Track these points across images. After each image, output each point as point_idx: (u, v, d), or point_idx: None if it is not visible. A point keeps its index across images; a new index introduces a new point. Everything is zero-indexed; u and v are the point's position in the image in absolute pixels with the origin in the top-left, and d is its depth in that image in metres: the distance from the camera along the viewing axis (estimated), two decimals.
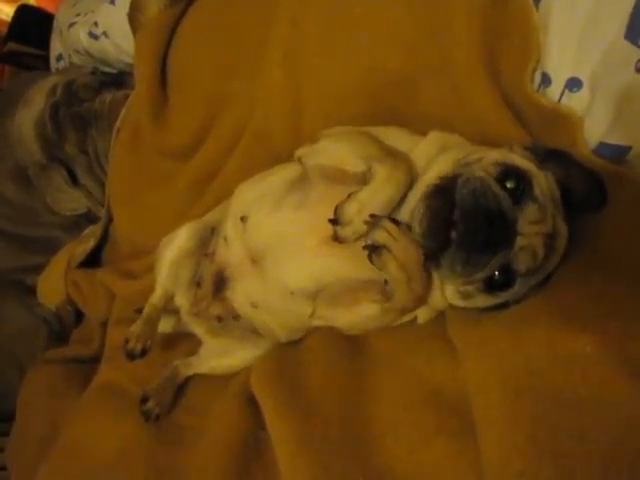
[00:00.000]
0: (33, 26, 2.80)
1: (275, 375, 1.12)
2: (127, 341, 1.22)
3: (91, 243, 1.96)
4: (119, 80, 2.13)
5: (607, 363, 0.76)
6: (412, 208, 0.95)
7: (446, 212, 0.88)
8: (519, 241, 0.87)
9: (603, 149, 1.05)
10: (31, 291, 2.04)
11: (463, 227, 0.85)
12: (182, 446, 1.22)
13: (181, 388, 1.34)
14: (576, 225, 0.95)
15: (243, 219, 1.17)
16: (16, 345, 1.97)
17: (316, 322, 1.15)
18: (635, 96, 0.99)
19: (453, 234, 0.87)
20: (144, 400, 1.28)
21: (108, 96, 1.97)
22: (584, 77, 1.04)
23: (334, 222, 0.97)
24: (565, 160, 0.97)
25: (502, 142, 1.02)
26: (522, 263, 0.88)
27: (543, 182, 0.92)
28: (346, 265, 1.02)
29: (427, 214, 0.90)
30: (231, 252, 1.21)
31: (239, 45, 1.44)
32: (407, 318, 1.07)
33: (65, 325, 2.00)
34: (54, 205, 2.01)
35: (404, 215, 0.96)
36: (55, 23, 2.43)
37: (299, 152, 1.14)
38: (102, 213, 1.95)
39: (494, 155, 0.94)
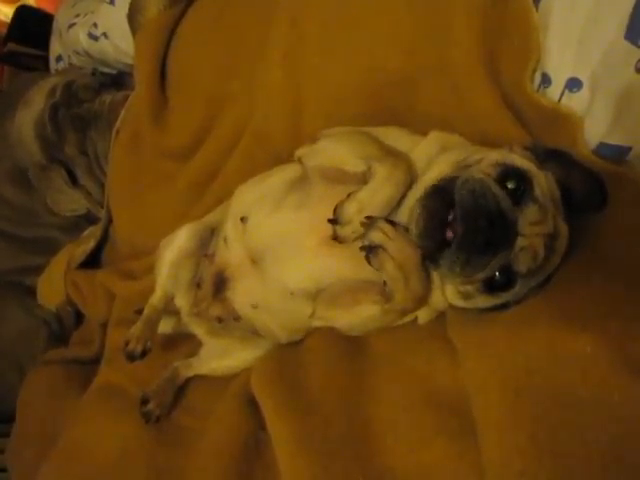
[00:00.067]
0: (33, 27, 2.80)
1: (275, 376, 1.12)
2: (127, 343, 1.22)
3: (91, 244, 1.95)
4: (119, 81, 2.13)
5: (607, 363, 0.76)
6: (411, 208, 0.95)
7: (442, 212, 0.88)
8: (519, 242, 0.87)
9: (603, 149, 1.05)
10: (31, 292, 2.03)
11: (463, 228, 0.85)
12: (182, 447, 1.22)
13: (181, 389, 1.34)
14: (576, 225, 0.95)
15: (243, 220, 1.17)
16: (16, 346, 1.97)
17: (316, 323, 1.15)
18: (635, 96, 0.99)
19: (449, 234, 0.87)
20: (144, 402, 1.27)
21: (108, 97, 1.97)
22: (584, 77, 1.04)
23: (334, 222, 0.98)
24: (565, 160, 0.97)
25: (502, 142, 1.02)
26: (522, 264, 0.88)
27: (543, 182, 0.92)
28: (346, 265, 1.03)
29: (423, 214, 0.91)
30: (231, 253, 1.20)
31: (239, 45, 1.44)
32: (407, 319, 1.07)
33: (65, 326, 1.99)
34: (54, 206, 2.01)
35: (404, 215, 0.96)
36: (55, 24, 2.43)
37: (299, 152, 1.14)
38: (102, 214, 1.95)
39: (494, 156, 0.94)
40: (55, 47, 2.43)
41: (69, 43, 2.22)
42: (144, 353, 1.22)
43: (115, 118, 1.85)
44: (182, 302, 1.33)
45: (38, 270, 2.04)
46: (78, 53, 2.19)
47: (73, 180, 1.97)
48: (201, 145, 1.55)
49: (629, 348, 0.77)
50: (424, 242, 0.92)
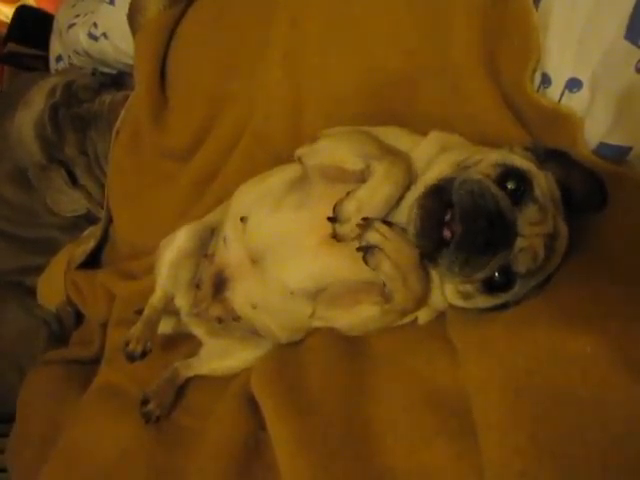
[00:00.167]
0: (33, 27, 2.80)
1: (275, 376, 1.12)
2: (127, 343, 1.22)
3: (91, 244, 1.95)
4: (119, 81, 2.13)
5: (607, 363, 0.76)
6: (410, 208, 0.95)
7: (440, 212, 0.88)
8: (519, 242, 0.87)
9: (603, 149, 1.05)
10: (31, 292, 2.03)
11: (462, 228, 0.85)
12: (182, 447, 1.22)
13: (181, 389, 1.34)
14: (576, 225, 0.95)
15: (243, 219, 1.17)
16: (16, 346, 1.97)
17: (316, 323, 1.15)
18: (635, 96, 0.99)
19: (447, 233, 0.87)
20: (144, 402, 1.27)
21: (108, 97, 1.97)
22: (584, 77, 1.04)
23: (333, 220, 0.98)
24: (565, 160, 0.97)
25: (502, 142, 1.02)
26: (522, 264, 0.88)
27: (543, 183, 0.92)
28: (346, 265, 1.02)
29: (421, 214, 0.91)
30: (230, 253, 1.21)
31: (239, 45, 1.44)
32: (408, 319, 1.07)
33: (65, 326, 1.99)
34: (54, 206, 2.01)
35: (404, 215, 0.96)
36: (55, 24, 2.43)
37: (299, 152, 1.14)
38: (102, 214, 1.95)
39: (494, 156, 0.94)
40: (55, 47, 2.43)
41: (69, 43, 2.22)
42: (144, 353, 1.22)
43: (115, 118, 1.86)
44: (182, 302, 1.34)
45: (38, 270, 2.04)
46: (78, 53, 2.19)
47: (73, 180, 1.97)
48: (201, 145, 1.55)
49: (629, 348, 0.77)
50: (422, 242, 0.92)
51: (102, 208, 1.95)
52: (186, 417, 1.30)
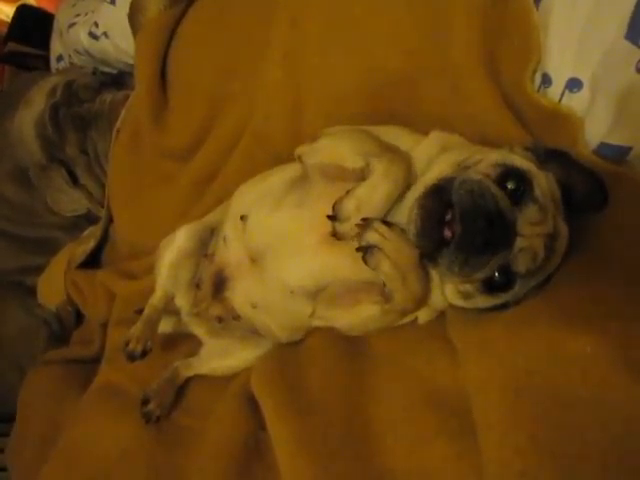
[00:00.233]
0: (33, 26, 2.80)
1: (275, 375, 1.12)
2: (127, 343, 1.22)
3: (91, 244, 1.96)
4: (119, 80, 2.13)
5: (607, 363, 0.76)
6: (411, 208, 0.95)
7: (440, 212, 0.88)
8: (519, 242, 0.87)
9: (604, 149, 1.05)
10: (31, 292, 2.03)
11: (461, 228, 0.85)
12: (182, 447, 1.22)
13: (181, 389, 1.34)
14: (576, 225, 0.95)
15: (243, 218, 1.17)
16: (16, 346, 1.97)
17: (316, 322, 1.15)
18: (636, 96, 0.99)
19: (447, 233, 0.87)
20: (145, 402, 1.27)
21: (108, 97, 1.97)
22: (584, 77, 1.04)
23: (333, 218, 0.98)
24: (566, 160, 0.97)
25: (502, 142, 1.02)
26: (522, 264, 0.88)
27: (544, 183, 0.92)
28: (346, 264, 1.02)
29: (421, 214, 0.91)
30: (230, 252, 1.21)
31: (239, 45, 1.44)
32: (408, 319, 1.07)
33: (65, 326, 1.99)
34: (54, 206, 2.01)
35: (404, 215, 0.96)
36: (55, 23, 2.43)
37: (299, 150, 1.14)
38: (102, 214, 1.95)
39: (494, 156, 0.94)
40: (56, 46, 2.43)
41: (70, 43, 2.22)
42: (144, 353, 1.22)
43: (115, 118, 1.86)
44: (182, 302, 1.34)
45: (38, 270, 2.04)
46: (79, 52, 2.20)
47: (73, 180, 1.97)
48: (201, 145, 1.55)
49: (629, 348, 0.77)
50: (421, 241, 0.92)
51: (102, 208, 1.95)
52: (186, 417, 1.30)
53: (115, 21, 1.92)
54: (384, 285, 0.99)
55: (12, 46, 2.79)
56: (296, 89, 1.28)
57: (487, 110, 1.09)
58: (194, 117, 1.56)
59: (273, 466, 0.99)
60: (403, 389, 0.99)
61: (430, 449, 0.88)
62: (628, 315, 0.83)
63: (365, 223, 0.96)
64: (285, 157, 1.24)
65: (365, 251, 0.96)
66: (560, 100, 1.07)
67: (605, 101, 1.02)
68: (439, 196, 0.90)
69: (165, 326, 1.39)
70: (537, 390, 0.79)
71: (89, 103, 1.97)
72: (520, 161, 0.93)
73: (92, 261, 1.98)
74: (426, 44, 1.12)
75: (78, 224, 2.08)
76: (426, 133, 1.06)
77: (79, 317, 1.99)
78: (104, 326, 1.78)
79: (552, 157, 0.96)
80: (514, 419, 0.78)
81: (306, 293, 1.09)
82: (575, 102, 1.06)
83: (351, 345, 1.12)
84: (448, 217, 0.87)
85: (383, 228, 0.95)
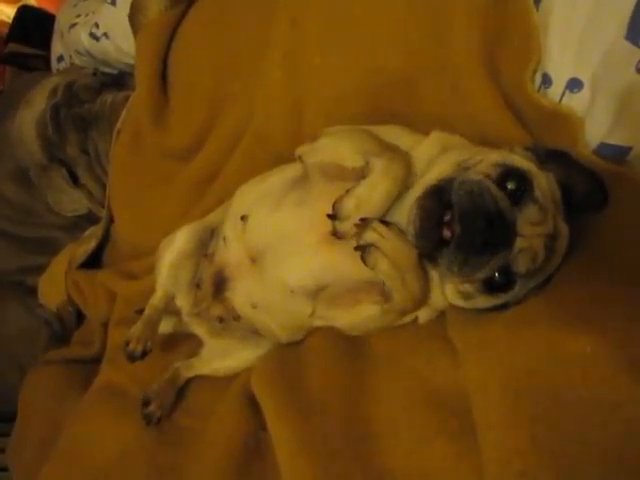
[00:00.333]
0: (34, 27, 2.80)
1: (276, 375, 1.12)
2: (127, 343, 1.22)
3: (92, 244, 1.96)
4: (120, 81, 2.13)
5: (607, 363, 0.76)
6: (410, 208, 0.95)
7: (439, 212, 0.88)
8: (519, 242, 0.87)
9: (604, 149, 1.05)
10: (32, 292, 2.03)
11: (461, 228, 0.85)
12: (183, 447, 1.22)
13: (182, 390, 1.34)
14: (577, 225, 0.95)
15: (243, 218, 1.17)
16: (17, 346, 1.97)
17: (316, 322, 1.15)
18: (636, 97, 0.99)
19: (446, 233, 0.87)
20: (145, 403, 1.27)
21: (109, 97, 1.97)
22: (585, 78, 1.04)
23: (333, 217, 0.98)
24: (566, 160, 0.97)
25: (502, 142, 1.02)
26: (522, 265, 0.88)
27: (544, 183, 0.92)
28: (346, 263, 1.02)
29: (420, 214, 0.91)
30: (230, 252, 1.21)
31: (239, 46, 1.44)
32: (408, 319, 1.07)
33: (66, 326, 1.99)
34: (55, 206, 2.01)
35: (403, 215, 0.96)
36: (56, 24, 2.43)
37: (299, 150, 1.14)
38: (103, 214, 1.95)
39: (494, 156, 0.94)
40: (56, 47, 2.43)
41: (70, 43, 2.22)
42: (144, 353, 1.22)
43: (116, 118, 1.86)
44: (183, 302, 1.34)
45: (39, 270, 2.04)
46: (79, 53, 2.20)
47: (74, 180, 1.97)
48: (202, 145, 1.55)
49: (629, 348, 0.77)
50: (420, 242, 0.92)
51: (103, 208, 1.95)
52: (187, 417, 1.30)
53: (116, 22, 1.92)
54: (384, 285, 0.99)
55: (13, 47, 2.80)
56: (296, 89, 1.28)
57: (487, 110, 1.09)
58: (194, 117, 1.56)
59: (273, 466, 0.99)
60: (403, 389, 0.99)
61: (430, 449, 0.88)
62: (628, 315, 0.82)
63: (364, 223, 0.96)
64: (286, 157, 1.24)
65: (363, 250, 0.97)
66: (560, 100, 1.07)
67: (605, 101, 1.02)
68: (438, 196, 0.90)
69: (165, 326, 1.39)
70: (537, 390, 0.79)
71: (90, 104, 1.97)
72: (520, 161, 0.93)
73: (93, 261, 1.98)
74: (426, 44, 1.12)
75: (79, 224, 2.08)
76: (426, 133, 1.06)
77: (80, 317, 1.99)
78: (105, 326, 1.78)
79: (552, 157, 0.96)
80: (514, 419, 0.78)
81: (306, 293, 1.09)
82: (575, 102, 1.06)
83: (351, 345, 1.12)
84: (447, 218, 0.87)
85: (381, 227, 0.96)
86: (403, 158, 1.00)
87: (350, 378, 1.05)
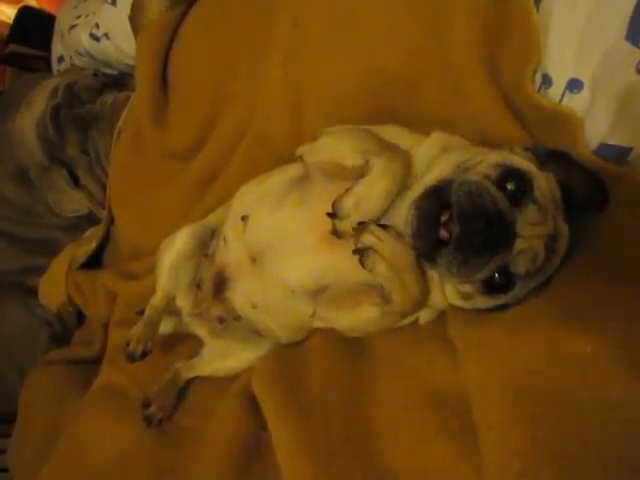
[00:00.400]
0: (34, 27, 2.81)
1: (276, 375, 1.12)
2: (128, 343, 1.22)
3: (92, 245, 1.96)
4: (120, 81, 2.14)
5: (607, 363, 0.76)
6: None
7: (436, 212, 0.88)
8: (519, 243, 0.87)
9: (604, 150, 1.05)
10: (32, 292, 2.04)
11: (460, 229, 0.85)
12: (184, 447, 1.22)
13: (182, 391, 1.34)
14: (577, 225, 0.95)
15: (244, 218, 1.17)
16: (17, 346, 1.97)
17: (317, 323, 1.15)
18: (636, 97, 0.99)
19: (443, 234, 0.87)
20: (146, 405, 1.27)
21: (109, 98, 1.97)
22: (585, 78, 1.04)
23: (332, 216, 0.98)
24: (566, 161, 0.97)
25: (502, 143, 1.02)
26: (521, 265, 0.88)
27: (544, 183, 0.92)
28: (346, 264, 1.02)
29: (417, 214, 0.91)
30: (231, 252, 1.21)
31: (240, 46, 1.45)
32: (408, 320, 1.07)
33: (66, 326, 2.00)
34: (56, 206, 2.01)
35: (403, 215, 0.96)
36: (56, 25, 2.44)
37: (300, 150, 1.14)
38: (103, 214, 1.95)
39: (494, 157, 0.94)
40: (57, 48, 2.44)
41: (71, 44, 2.23)
42: (144, 354, 1.22)
43: (117, 119, 1.86)
44: (183, 303, 1.34)
45: (39, 270, 2.04)
46: (80, 54, 2.20)
47: (75, 180, 1.98)
48: (202, 146, 1.55)
49: (629, 348, 0.77)
50: (417, 242, 0.92)
51: (103, 208, 1.95)
52: (187, 418, 1.30)
53: (116, 22, 1.93)
54: (383, 287, 1.00)
55: (13, 47, 2.80)
56: (297, 89, 1.28)
57: (487, 110, 1.09)
58: (195, 118, 1.56)
59: (274, 466, 0.99)
60: (403, 389, 0.99)
61: (430, 449, 0.88)
62: (628, 315, 0.82)
63: (361, 226, 0.96)
64: (286, 157, 1.24)
65: (361, 253, 0.97)
66: (560, 101, 1.07)
67: (605, 102, 1.02)
68: (436, 197, 0.90)
69: (166, 327, 1.40)
70: (537, 390, 0.79)
71: (90, 104, 1.97)
72: (520, 162, 0.93)
73: (93, 262, 1.98)
74: (426, 44, 1.12)
75: (79, 225, 2.09)
76: (426, 133, 1.06)
77: (80, 318, 1.99)
78: (105, 327, 1.78)
79: (552, 157, 0.96)
80: (514, 419, 0.78)
81: (306, 293, 1.09)
82: (575, 103, 1.06)
83: (351, 345, 1.12)
84: (444, 218, 0.88)
85: (379, 231, 0.96)
86: (403, 157, 1.00)
87: (350, 378, 1.06)
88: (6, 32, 2.90)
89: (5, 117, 2.03)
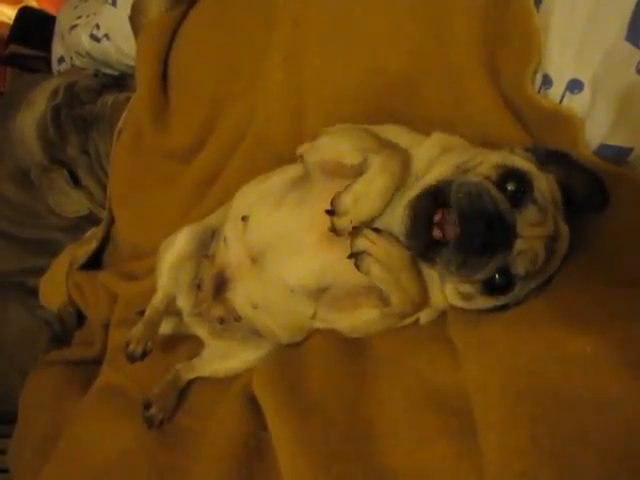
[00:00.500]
0: (35, 28, 2.81)
1: (276, 376, 1.12)
2: (128, 344, 1.22)
3: (93, 245, 1.96)
4: (121, 82, 2.14)
5: (607, 363, 0.76)
6: None
7: (429, 212, 0.89)
8: (519, 244, 0.87)
9: (604, 150, 1.05)
10: (33, 293, 2.04)
11: (461, 230, 0.85)
12: (184, 448, 1.22)
13: (183, 391, 1.34)
14: (577, 226, 0.95)
15: (244, 218, 1.17)
16: (18, 347, 1.98)
17: (317, 324, 1.16)
18: (636, 97, 0.99)
19: (436, 234, 0.87)
20: (147, 406, 1.27)
21: (109, 98, 1.98)
22: (585, 79, 1.04)
23: (331, 213, 0.98)
24: (566, 161, 0.97)
25: (503, 143, 1.02)
26: (521, 266, 0.88)
27: (544, 184, 0.92)
28: (345, 264, 1.02)
29: (410, 214, 0.91)
30: (231, 253, 1.21)
31: (240, 47, 1.45)
32: (409, 321, 1.07)
33: (67, 327, 2.00)
34: (56, 207, 2.01)
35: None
36: (57, 25, 2.44)
37: (300, 149, 1.15)
38: (104, 215, 1.96)
39: (494, 158, 0.94)
40: (57, 48, 2.44)
41: (71, 44, 2.23)
42: (144, 354, 1.22)
43: (117, 119, 1.86)
44: (183, 303, 1.34)
45: (40, 271, 2.04)
46: (80, 54, 2.20)
47: (75, 181, 1.98)
48: (203, 146, 1.55)
49: (629, 348, 0.77)
50: (411, 242, 0.93)
51: (104, 209, 1.95)
52: (187, 418, 1.30)
53: (116, 23, 1.92)
54: (381, 289, 1.00)
55: (14, 48, 2.80)
56: (297, 90, 1.28)
57: (487, 111, 1.09)
58: (195, 118, 1.56)
59: (274, 466, 0.99)
60: (404, 389, 0.99)
61: (431, 449, 0.88)
62: (628, 315, 0.82)
63: (355, 231, 0.97)
64: (286, 158, 1.24)
65: (357, 258, 0.98)
66: (561, 101, 1.07)
67: (606, 102, 1.02)
68: (431, 197, 0.90)
69: (166, 327, 1.40)
70: (537, 390, 0.79)
71: (90, 105, 1.97)
72: (520, 162, 0.93)
73: (94, 262, 1.98)
74: (427, 45, 1.12)
75: (79, 225, 2.09)
76: (427, 133, 1.06)
77: (81, 318, 1.99)
78: (106, 327, 1.78)
79: (552, 158, 0.96)
80: (514, 419, 0.78)
81: (307, 293, 1.09)
82: (576, 103, 1.06)
83: (352, 346, 1.12)
84: (437, 217, 0.88)
85: (371, 234, 0.97)
86: (402, 155, 1.00)
87: (351, 378, 1.06)
88: (6, 33, 2.90)
89: (5, 118, 2.03)
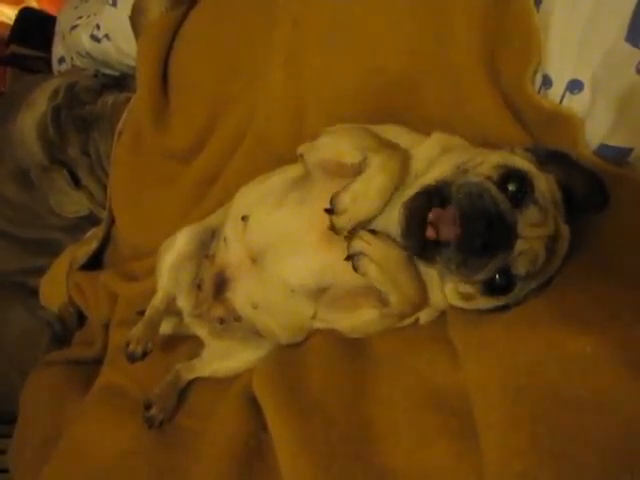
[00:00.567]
0: (35, 28, 2.81)
1: (276, 376, 1.12)
2: (128, 344, 1.22)
3: (93, 245, 1.96)
4: (121, 82, 2.14)
5: (607, 363, 0.76)
6: None
7: (424, 212, 0.89)
8: (519, 245, 0.87)
9: (604, 151, 1.05)
10: (33, 293, 2.04)
11: (461, 230, 0.85)
12: (184, 448, 1.22)
13: (183, 391, 1.34)
14: (577, 226, 0.95)
15: (244, 218, 1.17)
16: (18, 347, 1.98)
17: (317, 324, 1.16)
18: (636, 98, 0.99)
19: (430, 234, 0.87)
20: (147, 407, 1.27)
21: (110, 98, 1.98)
22: (585, 79, 1.04)
23: (330, 212, 0.99)
24: (566, 161, 0.97)
25: (503, 143, 1.02)
26: (522, 267, 0.88)
27: (544, 184, 0.92)
28: (344, 265, 1.02)
29: (405, 214, 0.92)
30: (231, 253, 1.21)
31: (240, 47, 1.45)
32: (409, 321, 1.07)
33: (67, 327, 2.00)
34: (57, 207, 2.01)
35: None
36: (57, 26, 2.44)
37: (301, 149, 1.15)
38: (104, 215, 1.96)
39: (495, 158, 0.94)
40: (58, 49, 2.44)
41: (72, 45, 2.23)
42: (144, 354, 1.22)
43: (117, 120, 1.86)
44: (184, 303, 1.34)
45: (40, 271, 2.04)
46: (80, 55, 2.20)
47: (75, 181, 1.98)
48: (203, 147, 1.55)
49: (629, 348, 0.77)
50: (406, 241, 0.93)
51: (104, 209, 1.95)
52: (187, 418, 1.30)
53: (117, 23, 1.92)
54: (380, 290, 1.00)
55: (14, 48, 2.81)
56: (297, 90, 1.28)
57: (487, 111, 1.09)
58: (196, 119, 1.56)
59: (274, 466, 0.99)
60: (404, 389, 0.99)
61: (431, 449, 0.88)
62: (628, 316, 0.82)
63: (351, 234, 0.98)
64: (287, 158, 1.24)
65: (353, 259, 0.98)
66: (561, 101, 1.07)
67: (606, 102, 1.02)
68: (428, 197, 0.90)
69: (166, 327, 1.40)
70: (537, 390, 0.79)
71: (91, 105, 1.98)
72: (521, 162, 0.93)
73: (94, 262, 1.98)
74: (427, 45, 1.12)
75: (80, 225, 2.09)
76: (427, 134, 1.06)
77: (81, 318, 2.00)
78: (106, 327, 1.78)
79: (553, 158, 0.96)
80: (514, 419, 0.78)
81: (307, 292, 1.09)
82: (576, 103, 1.06)
83: (352, 346, 1.12)
84: (431, 217, 0.88)
85: (367, 235, 0.97)
86: (401, 154, 1.00)
87: (351, 379, 1.06)
88: (7, 33, 2.90)
89: (6, 118, 2.03)
